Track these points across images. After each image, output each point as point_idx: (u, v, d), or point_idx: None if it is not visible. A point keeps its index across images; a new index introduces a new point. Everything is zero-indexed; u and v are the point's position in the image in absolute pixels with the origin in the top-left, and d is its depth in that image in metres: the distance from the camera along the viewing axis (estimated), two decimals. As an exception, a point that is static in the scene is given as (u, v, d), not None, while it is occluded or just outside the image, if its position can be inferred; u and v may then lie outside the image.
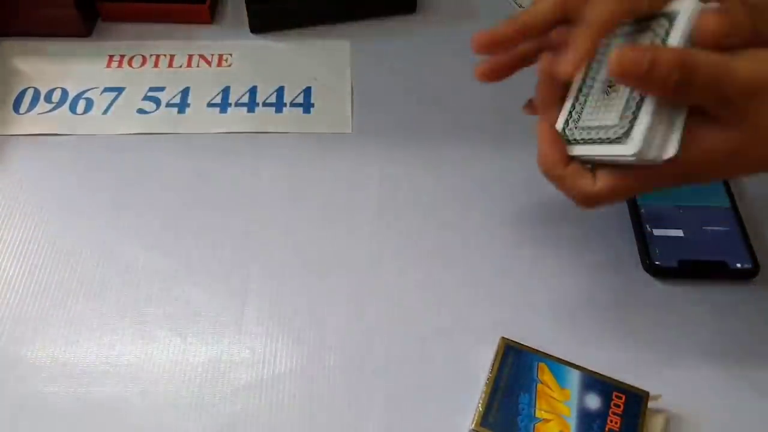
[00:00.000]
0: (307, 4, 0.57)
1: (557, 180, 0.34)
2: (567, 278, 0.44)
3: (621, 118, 0.31)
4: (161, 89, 0.54)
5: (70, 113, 0.53)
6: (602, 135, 0.32)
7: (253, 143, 0.51)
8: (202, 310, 0.42)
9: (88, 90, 0.54)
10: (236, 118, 0.52)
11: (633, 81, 0.29)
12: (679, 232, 0.45)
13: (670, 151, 0.30)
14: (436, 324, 0.42)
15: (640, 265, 0.44)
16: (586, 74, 0.35)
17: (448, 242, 0.46)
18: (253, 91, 0.54)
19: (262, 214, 0.47)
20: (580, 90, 0.35)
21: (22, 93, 0.54)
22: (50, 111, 0.53)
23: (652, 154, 0.30)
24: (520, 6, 0.60)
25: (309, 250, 0.45)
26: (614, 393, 0.37)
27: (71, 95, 0.54)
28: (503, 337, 0.40)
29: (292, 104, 0.53)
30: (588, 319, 0.42)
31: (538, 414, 0.37)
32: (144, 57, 0.57)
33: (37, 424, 0.38)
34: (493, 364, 0.38)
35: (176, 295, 0.43)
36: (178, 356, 0.41)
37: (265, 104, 0.53)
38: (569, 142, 0.34)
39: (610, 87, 0.33)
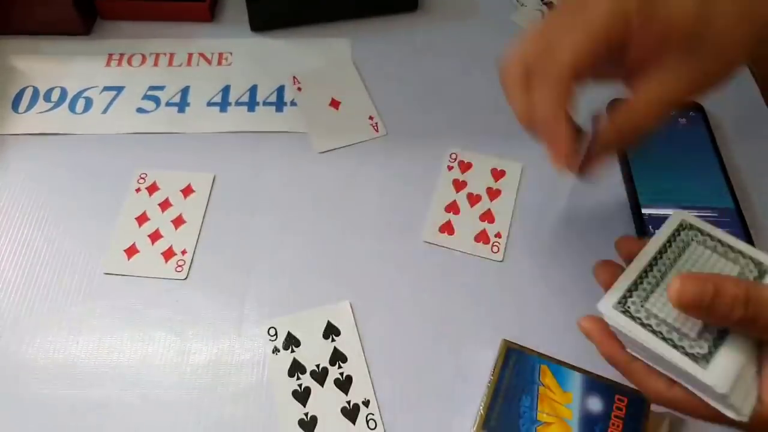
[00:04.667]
0: (308, 2, 0.57)
1: (624, 373, 0.32)
2: (569, 280, 0.44)
3: (699, 334, 0.28)
4: (161, 88, 0.54)
5: (69, 112, 0.52)
6: (675, 339, 0.29)
7: (254, 142, 0.50)
8: (201, 311, 0.42)
9: (88, 89, 0.54)
10: (236, 117, 0.52)
11: (694, 313, 0.27)
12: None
13: (746, 409, 0.27)
14: (438, 327, 0.42)
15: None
16: (662, 250, 0.32)
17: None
18: (253, 90, 0.54)
19: (263, 213, 0.47)
20: (651, 266, 0.31)
21: (21, 92, 0.53)
22: (49, 110, 0.52)
23: (734, 401, 0.27)
24: (523, 5, 0.60)
25: (311, 250, 0.45)
26: (616, 396, 0.37)
27: (70, 94, 0.53)
28: (505, 339, 0.40)
29: (293, 103, 0.53)
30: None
31: (539, 417, 0.37)
32: (143, 56, 0.56)
33: (36, 425, 0.38)
34: (495, 367, 0.38)
35: (176, 297, 0.43)
36: (177, 358, 0.40)
37: (265, 103, 0.53)
38: (628, 315, 0.30)
39: None
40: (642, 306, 0.30)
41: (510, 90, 0.33)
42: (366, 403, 0.38)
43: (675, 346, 0.28)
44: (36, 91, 0.54)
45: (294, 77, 0.54)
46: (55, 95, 0.53)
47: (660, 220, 0.45)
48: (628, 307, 0.30)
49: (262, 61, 0.56)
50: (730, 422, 0.28)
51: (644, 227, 0.45)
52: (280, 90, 0.54)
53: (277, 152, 0.50)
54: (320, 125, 0.51)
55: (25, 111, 0.52)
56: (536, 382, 0.38)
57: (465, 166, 0.49)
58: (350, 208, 0.47)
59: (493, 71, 0.54)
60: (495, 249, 0.45)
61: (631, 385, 0.32)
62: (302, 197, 0.48)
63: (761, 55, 0.31)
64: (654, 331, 0.29)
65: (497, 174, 0.48)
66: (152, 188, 0.48)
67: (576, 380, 0.38)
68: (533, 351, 0.39)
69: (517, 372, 0.38)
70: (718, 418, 0.28)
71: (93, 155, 0.50)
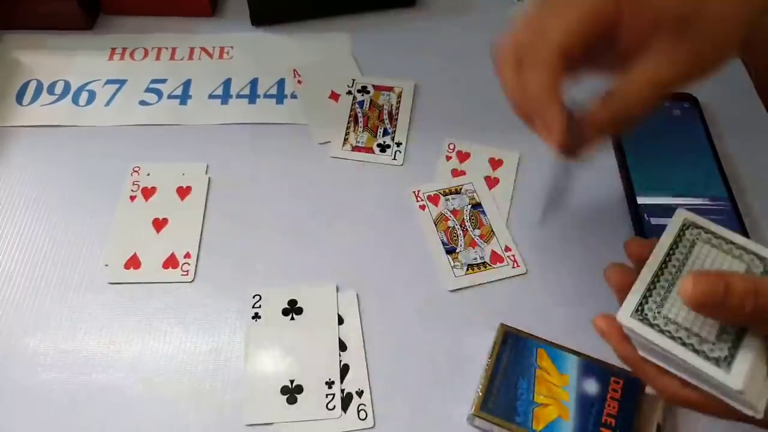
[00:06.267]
0: (308, -3, 0.58)
1: (638, 373, 0.32)
2: (565, 266, 0.44)
3: (718, 336, 0.29)
4: (163, 81, 0.55)
5: (72, 105, 0.53)
6: (695, 344, 0.29)
7: (255, 134, 0.51)
8: (203, 301, 0.43)
9: (91, 82, 0.55)
10: (237, 109, 0.53)
11: (707, 311, 0.28)
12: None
13: (761, 405, 0.28)
14: (436, 311, 0.42)
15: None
16: (670, 253, 0.32)
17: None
18: (254, 83, 0.55)
19: (263, 204, 0.47)
20: (661, 269, 0.31)
21: (25, 85, 0.54)
22: (53, 103, 0.53)
23: (750, 398, 0.28)
24: (520, 0, 0.61)
25: (312, 240, 0.46)
26: (612, 378, 0.38)
27: (74, 87, 0.54)
28: (502, 324, 0.40)
29: (293, 96, 0.54)
30: (586, 306, 0.42)
31: (536, 399, 0.37)
32: (146, 50, 0.57)
33: (39, 410, 0.38)
34: (493, 350, 0.39)
35: (178, 285, 0.43)
36: (179, 346, 0.41)
37: (266, 96, 0.54)
38: (646, 324, 0.30)
39: None
40: (659, 312, 0.30)
41: (502, 72, 0.33)
42: (359, 393, 0.39)
43: (696, 351, 0.29)
44: (40, 85, 0.54)
45: (294, 70, 0.55)
46: (58, 88, 0.54)
47: (655, 209, 0.46)
48: (646, 315, 0.30)
49: (263, 55, 0.57)
50: (744, 418, 0.29)
51: (639, 216, 0.46)
52: (281, 83, 0.55)
53: (278, 144, 0.51)
54: (320, 117, 0.52)
55: (29, 104, 0.53)
56: (533, 365, 0.38)
57: (463, 156, 0.50)
58: (351, 198, 0.48)
59: (489, 65, 0.55)
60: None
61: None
62: (303, 187, 0.48)
63: (752, 41, 0.32)
64: (673, 337, 0.29)
65: (495, 163, 0.49)
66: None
67: (572, 363, 0.38)
68: (530, 335, 0.40)
69: (514, 355, 0.39)
70: (732, 414, 0.29)
71: (96, 147, 0.50)
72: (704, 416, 0.38)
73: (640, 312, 0.31)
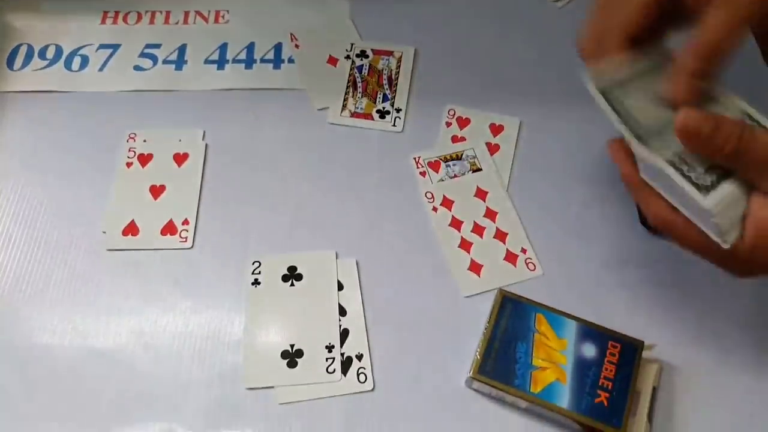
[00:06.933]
0: (305, -41, 0.56)
1: (635, 193, 0.35)
2: (568, 229, 0.44)
3: (707, 170, 0.31)
4: (157, 46, 0.54)
5: (65, 70, 0.52)
6: (684, 169, 0.31)
7: (252, 99, 0.50)
8: (202, 267, 0.43)
9: (83, 47, 0.53)
10: (234, 75, 0.52)
11: (693, 143, 0.31)
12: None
13: (730, 237, 0.31)
14: (435, 277, 0.42)
15: (637, 221, 0.44)
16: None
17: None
18: (250, 48, 0.53)
19: (261, 170, 0.47)
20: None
21: (16, 49, 0.53)
22: (45, 68, 0.52)
23: (721, 226, 0.31)
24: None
25: (312, 207, 0.45)
26: (610, 342, 0.38)
27: (66, 52, 0.53)
28: (501, 289, 0.40)
29: (290, 60, 0.53)
30: (585, 272, 0.43)
31: (535, 362, 0.38)
32: (139, 13, 0.56)
33: (39, 374, 0.39)
34: (491, 315, 0.39)
35: (177, 252, 0.43)
36: (179, 311, 0.41)
37: (263, 60, 0.53)
38: (647, 144, 0.32)
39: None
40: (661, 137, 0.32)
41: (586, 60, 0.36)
42: (359, 357, 0.39)
43: (684, 175, 0.31)
44: (30, 49, 0.53)
45: (292, 34, 0.54)
46: (50, 53, 0.53)
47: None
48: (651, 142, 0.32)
49: (259, 19, 0.55)
50: (713, 254, 0.32)
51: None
52: (278, 47, 0.53)
53: (276, 109, 0.50)
54: (319, 82, 0.51)
55: (20, 68, 0.52)
56: (532, 330, 0.39)
57: (463, 122, 0.49)
58: (351, 165, 0.47)
59: (490, 29, 0.54)
60: (492, 204, 0.45)
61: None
62: (301, 154, 0.48)
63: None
64: (668, 161, 0.32)
65: (496, 129, 0.49)
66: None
67: (571, 327, 0.39)
68: (529, 300, 0.40)
69: (513, 320, 0.39)
70: (704, 248, 0.32)
71: (91, 113, 0.49)
72: (698, 377, 0.39)
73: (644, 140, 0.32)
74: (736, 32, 0.32)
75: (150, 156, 0.47)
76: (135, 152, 0.47)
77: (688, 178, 0.31)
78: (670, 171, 0.31)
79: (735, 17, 0.32)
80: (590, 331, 0.39)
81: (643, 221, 0.44)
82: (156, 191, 0.46)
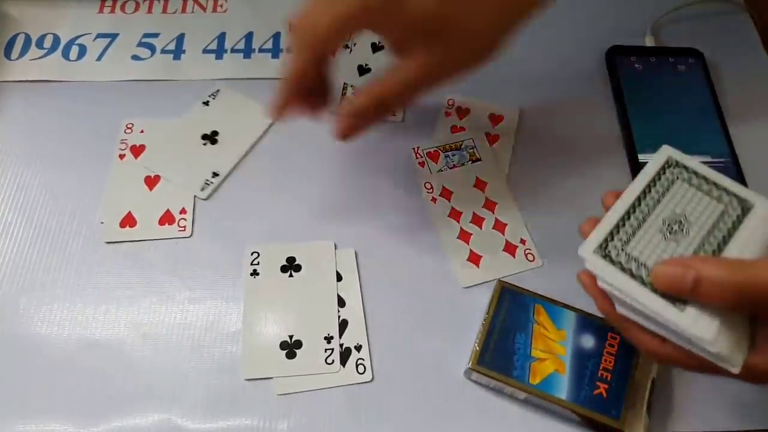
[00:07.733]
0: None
1: (620, 329, 0.32)
2: (565, 221, 0.44)
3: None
4: (156, 35, 0.53)
5: (63, 59, 0.52)
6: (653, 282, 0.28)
7: (250, 90, 0.50)
8: (201, 256, 0.43)
9: (81, 36, 0.53)
10: (233, 64, 0.51)
11: (677, 294, 0.28)
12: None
13: (737, 359, 0.27)
14: (434, 268, 0.42)
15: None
16: (647, 190, 0.31)
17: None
18: (249, 37, 0.53)
19: (262, 160, 0.47)
20: (634, 207, 0.31)
21: (13, 39, 0.53)
22: (42, 57, 0.52)
23: (721, 350, 0.27)
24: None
25: (311, 197, 0.45)
26: (609, 333, 0.38)
27: (63, 41, 0.53)
28: (500, 280, 0.40)
29: (289, 50, 0.52)
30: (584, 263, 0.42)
31: (533, 353, 0.37)
32: (137, 2, 0.55)
33: (38, 365, 0.39)
34: (490, 305, 0.39)
35: (176, 241, 0.43)
36: (178, 301, 0.41)
37: (261, 50, 0.52)
38: (608, 260, 0.29)
39: (670, 232, 0.30)
40: (622, 250, 0.29)
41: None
42: (358, 348, 0.39)
43: (654, 290, 0.28)
44: (28, 38, 0.53)
45: (291, 23, 0.53)
46: (47, 42, 0.53)
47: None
48: (609, 252, 0.29)
49: (258, 8, 0.55)
50: (726, 373, 0.28)
51: (636, 158, 0.45)
52: (276, 37, 0.53)
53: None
54: (317, 72, 0.51)
55: (18, 58, 0.52)
56: (531, 320, 0.38)
57: (462, 112, 0.49)
58: (350, 155, 0.47)
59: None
60: (492, 194, 0.45)
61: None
62: (300, 143, 0.47)
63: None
64: (633, 276, 0.28)
65: (495, 119, 0.48)
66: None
67: (570, 318, 0.39)
68: (528, 291, 0.40)
69: (511, 311, 0.39)
70: (712, 369, 0.29)
71: (88, 103, 0.49)
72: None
73: (603, 248, 0.30)
74: (408, 91, 0.34)
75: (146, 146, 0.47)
76: (131, 143, 0.47)
77: (659, 292, 0.28)
78: (639, 291, 0.28)
79: (413, 76, 0.33)
80: (589, 322, 0.38)
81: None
82: (151, 181, 0.45)
